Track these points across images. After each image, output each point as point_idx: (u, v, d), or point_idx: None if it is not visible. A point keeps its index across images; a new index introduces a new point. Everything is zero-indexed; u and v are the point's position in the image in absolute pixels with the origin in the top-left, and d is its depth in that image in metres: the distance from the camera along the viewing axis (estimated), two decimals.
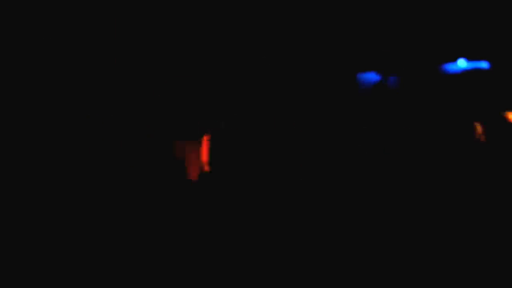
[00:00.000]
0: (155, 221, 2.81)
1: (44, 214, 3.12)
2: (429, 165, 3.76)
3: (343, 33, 6.68)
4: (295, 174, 3.74)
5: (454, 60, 7.33)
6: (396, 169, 3.63)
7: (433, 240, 2.32)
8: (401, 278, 2.34)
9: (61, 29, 4.97)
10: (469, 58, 7.19)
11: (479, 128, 5.58)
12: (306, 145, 4.73)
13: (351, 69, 7.16)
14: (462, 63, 7.31)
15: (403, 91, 7.14)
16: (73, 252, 2.89)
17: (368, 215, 2.40)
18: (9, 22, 4.80)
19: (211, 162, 3.71)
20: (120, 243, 2.73)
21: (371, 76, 7.49)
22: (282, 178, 3.08)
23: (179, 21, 6.25)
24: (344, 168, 2.75)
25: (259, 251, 2.46)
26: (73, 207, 3.13)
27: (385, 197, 2.50)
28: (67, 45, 5.00)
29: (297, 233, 2.50)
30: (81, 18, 5.04)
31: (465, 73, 7.25)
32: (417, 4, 6.49)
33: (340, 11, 6.58)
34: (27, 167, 3.75)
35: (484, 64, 6.43)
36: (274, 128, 5.83)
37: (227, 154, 3.18)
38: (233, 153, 2.91)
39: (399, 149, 5.31)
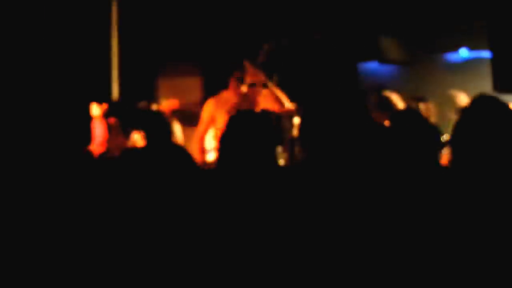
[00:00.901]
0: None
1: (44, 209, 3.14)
2: (430, 157, 3.75)
3: (344, 23, 6.66)
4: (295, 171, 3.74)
5: (456, 49, 7.32)
6: (396, 160, 3.63)
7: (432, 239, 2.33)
8: (401, 278, 2.34)
9: (61, 29, 4.99)
10: (471, 48, 7.17)
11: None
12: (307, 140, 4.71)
13: (352, 59, 7.15)
14: (463, 53, 7.29)
15: (404, 81, 7.14)
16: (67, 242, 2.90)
17: (368, 213, 2.41)
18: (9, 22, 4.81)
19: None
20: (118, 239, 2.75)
21: (373, 66, 7.48)
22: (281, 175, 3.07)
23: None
24: (345, 163, 2.74)
25: (259, 250, 2.46)
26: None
27: (386, 192, 2.50)
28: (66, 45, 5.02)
29: (297, 232, 2.50)
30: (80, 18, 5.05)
31: (467, 62, 7.24)
32: None
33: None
34: (26, 166, 3.77)
35: (485, 54, 6.41)
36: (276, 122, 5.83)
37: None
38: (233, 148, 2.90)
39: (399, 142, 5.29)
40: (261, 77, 5.37)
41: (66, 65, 4.99)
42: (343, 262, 2.35)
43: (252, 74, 5.37)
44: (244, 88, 5.39)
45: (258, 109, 5.37)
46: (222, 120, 5.40)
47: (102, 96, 4.88)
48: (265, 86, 5.35)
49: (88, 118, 4.42)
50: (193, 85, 6.66)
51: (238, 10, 6.37)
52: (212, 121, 5.46)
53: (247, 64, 5.42)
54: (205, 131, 5.48)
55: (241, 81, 5.35)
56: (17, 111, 4.73)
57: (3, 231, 2.99)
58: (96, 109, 4.39)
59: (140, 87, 5.56)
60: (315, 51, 6.90)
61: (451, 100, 5.49)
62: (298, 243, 2.40)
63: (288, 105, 5.43)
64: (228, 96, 5.50)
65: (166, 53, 6.66)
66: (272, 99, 5.34)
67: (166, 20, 6.28)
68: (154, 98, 6.09)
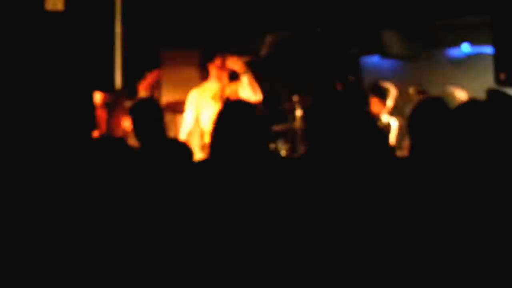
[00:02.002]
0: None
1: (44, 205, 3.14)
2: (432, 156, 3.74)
3: (346, 16, 6.66)
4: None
5: (458, 45, 7.30)
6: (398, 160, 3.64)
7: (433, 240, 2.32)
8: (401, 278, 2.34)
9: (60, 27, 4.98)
10: (473, 43, 7.16)
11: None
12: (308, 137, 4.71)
13: (353, 53, 7.14)
14: (466, 48, 7.28)
15: (406, 75, 7.14)
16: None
17: (369, 214, 2.40)
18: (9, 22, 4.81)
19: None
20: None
21: (375, 60, 7.48)
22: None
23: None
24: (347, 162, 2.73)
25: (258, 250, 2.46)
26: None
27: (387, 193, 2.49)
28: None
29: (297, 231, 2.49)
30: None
31: (469, 58, 7.24)
32: None
33: None
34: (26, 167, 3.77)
35: (488, 49, 6.40)
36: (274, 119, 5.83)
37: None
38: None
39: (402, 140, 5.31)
40: (241, 65, 5.37)
41: (69, 56, 4.99)
42: (341, 256, 2.35)
43: (232, 62, 5.38)
44: (225, 75, 5.43)
45: (237, 97, 5.38)
46: (207, 109, 5.42)
47: (105, 85, 4.89)
48: (243, 74, 5.33)
49: (92, 106, 4.42)
50: (194, 76, 6.68)
51: (241, 1, 6.37)
52: (198, 111, 5.48)
53: (226, 53, 5.44)
54: (194, 123, 5.50)
55: (222, 67, 5.41)
56: (19, 100, 4.73)
57: (4, 220, 2.99)
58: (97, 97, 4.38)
59: (142, 76, 5.56)
60: (317, 44, 6.91)
61: (451, 96, 5.50)
62: (296, 236, 2.39)
63: (260, 96, 5.41)
64: (211, 85, 5.52)
65: (167, 43, 6.67)
66: (250, 89, 5.32)
67: (168, 13, 6.29)
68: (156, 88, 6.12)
